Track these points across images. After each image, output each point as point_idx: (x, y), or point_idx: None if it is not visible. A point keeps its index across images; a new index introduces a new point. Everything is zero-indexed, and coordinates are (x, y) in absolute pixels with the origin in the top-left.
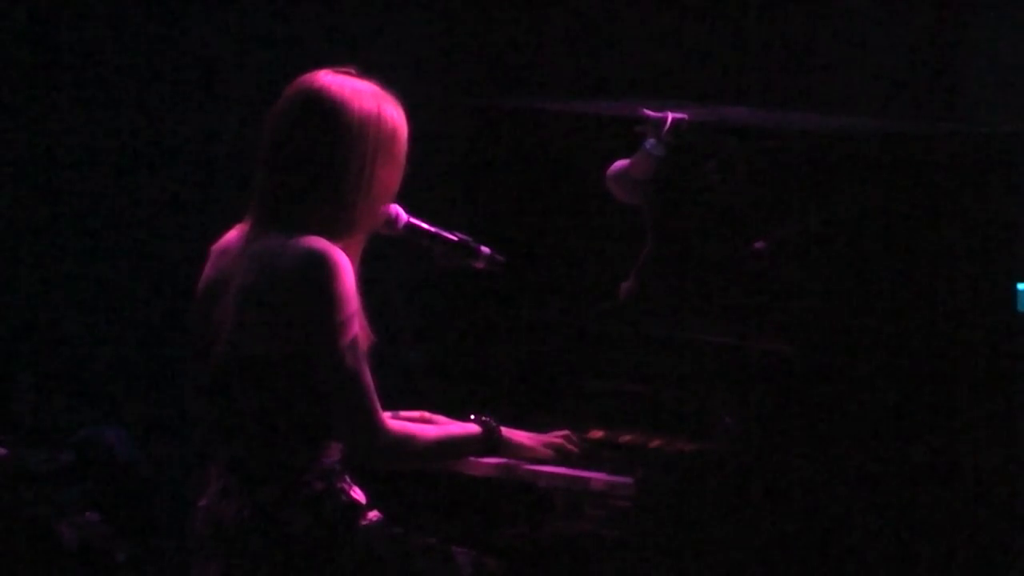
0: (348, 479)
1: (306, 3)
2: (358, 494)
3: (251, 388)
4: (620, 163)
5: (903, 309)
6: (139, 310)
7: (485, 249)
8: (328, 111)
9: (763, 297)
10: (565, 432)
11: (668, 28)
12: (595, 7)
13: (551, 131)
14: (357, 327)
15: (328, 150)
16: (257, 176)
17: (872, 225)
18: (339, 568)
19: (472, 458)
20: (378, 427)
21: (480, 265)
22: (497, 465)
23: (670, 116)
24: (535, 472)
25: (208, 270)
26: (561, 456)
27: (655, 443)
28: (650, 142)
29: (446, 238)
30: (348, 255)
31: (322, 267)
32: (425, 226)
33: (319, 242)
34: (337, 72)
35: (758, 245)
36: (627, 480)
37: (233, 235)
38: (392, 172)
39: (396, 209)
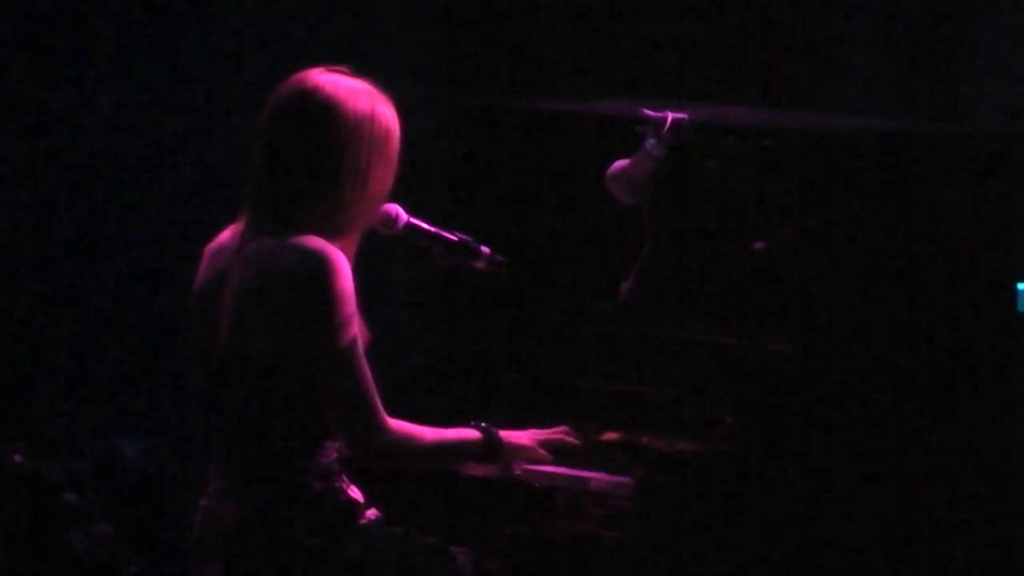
0: (345, 478)
1: (306, 3)
2: (356, 493)
3: (249, 388)
4: (620, 163)
5: (903, 309)
6: (158, 320)
7: (485, 249)
8: (322, 110)
9: (763, 297)
10: (564, 428)
11: (668, 28)
12: (595, 7)
13: (551, 131)
14: (356, 325)
15: (322, 149)
16: (251, 176)
17: (872, 225)
18: (338, 567)
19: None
20: (379, 426)
21: (480, 265)
22: (497, 465)
23: (670, 116)
24: (535, 472)
25: (203, 271)
26: (561, 452)
27: (655, 443)
28: (650, 142)
29: (446, 238)
30: (343, 254)
31: (321, 266)
32: (425, 226)
33: (317, 242)
34: (331, 71)
35: (758, 245)
36: (627, 480)
37: (226, 235)
38: (386, 171)
39: (396, 209)
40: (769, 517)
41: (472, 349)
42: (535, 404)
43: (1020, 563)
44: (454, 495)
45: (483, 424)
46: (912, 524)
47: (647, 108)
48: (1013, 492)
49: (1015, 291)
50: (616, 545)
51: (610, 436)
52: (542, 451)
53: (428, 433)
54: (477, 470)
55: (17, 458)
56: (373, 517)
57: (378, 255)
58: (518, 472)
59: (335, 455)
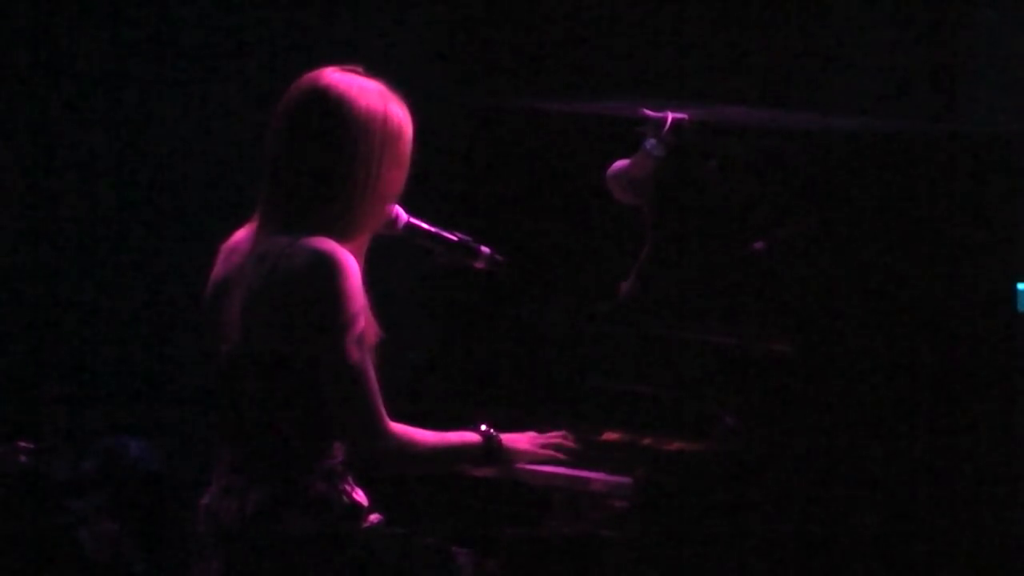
0: (351, 480)
1: (307, 3)
2: (360, 496)
3: (256, 387)
4: (620, 163)
5: (903, 309)
6: (161, 319)
7: (485, 249)
8: (333, 109)
9: (763, 297)
10: (563, 432)
11: (668, 28)
12: (595, 7)
13: (551, 131)
14: (363, 327)
15: (334, 149)
16: (263, 176)
17: (872, 225)
18: (339, 568)
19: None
20: (380, 428)
21: (480, 265)
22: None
23: (670, 116)
24: (535, 472)
25: (217, 269)
26: (561, 457)
27: (655, 443)
28: (650, 142)
29: (446, 238)
30: (352, 256)
31: (328, 267)
32: (425, 226)
33: (326, 243)
34: (343, 71)
35: (758, 245)
36: (626, 480)
37: (242, 234)
38: (397, 172)
39: (396, 209)
40: (769, 517)
41: (472, 349)
42: (535, 404)
43: (1020, 564)
44: (454, 496)
45: (483, 427)
46: (912, 524)
47: (647, 108)
48: (1013, 492)
49: (1015, 291)
50: (616, 545)
51: (610, 436)
52: (542, 453)
53: (428, 436)
54: (477, 471)
55: (22, 458)
56: (376, 521)
57: (378, 255)
58: (518, 472)
59: (342, 457)
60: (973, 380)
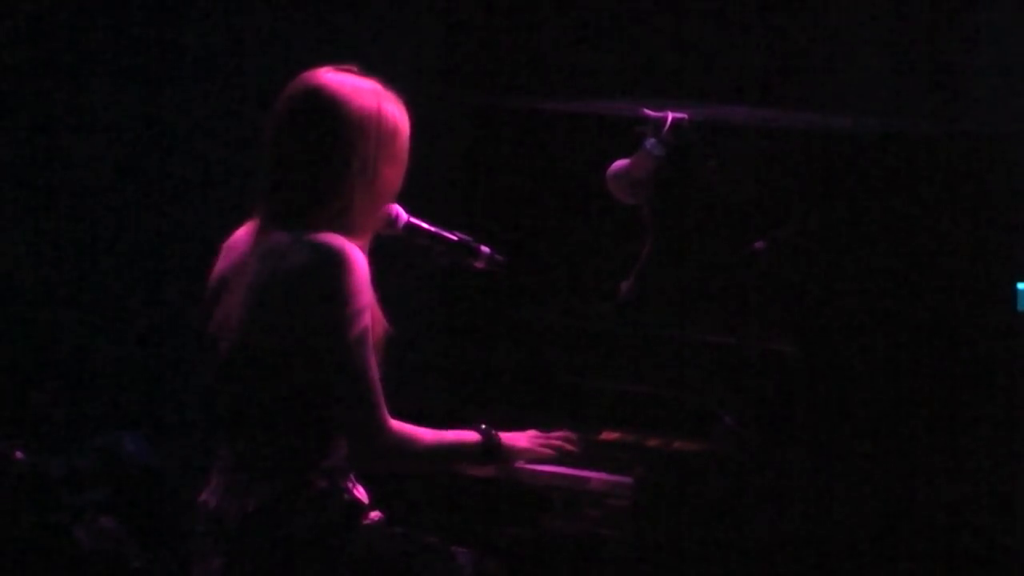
0: (353, 478)
1: (307, 2)
2: (361, 493)
3: (258, 383)
4: (620, 163)
5: (903, 309)
6: (159, 316)
7: (485, 249)
8: (327, 108)
9: (763, 297)
10: (564, 432)
11: (668, 28)
12: (595, 7)
13: (551, 131)
14: (367, 323)
15: (328, 148)
16: (261, 175)
17: (872, 225)
18: (339, 566)
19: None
20: (380, 425)
21: (480, 265)
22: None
23: (670, 116)
24: (535, 472)
25: (218, 266)
26: (560, 456)
27: (655, 443)
28: (650, 142)
29: (446, 238)
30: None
31: (336, 261)
32: (425, 226)
33: (335, 238)
34: (338, 70)
35: (758, 245)
36: (626, 480)
37: (242, 233)
38: (394, 170)
39: (396, 209)
40: (769, 517)
41: (472, 349)
42: (535, 404)
43: (1020, 563)
44: (454, 495)
45: (483, 426)
46: (912, 524)
47: (647, 108)
48: (1013, 493)
49: (1015, 291)
50: (616, 545)
51: (610, 436)
52: (542, 451)
53: (428, 435)
54: (477, 471)
55: (19, 455)
56: (376, 519)
57: (378, 255)
58: (518, 472)
59: (344, 454)
60: (973, 380)
